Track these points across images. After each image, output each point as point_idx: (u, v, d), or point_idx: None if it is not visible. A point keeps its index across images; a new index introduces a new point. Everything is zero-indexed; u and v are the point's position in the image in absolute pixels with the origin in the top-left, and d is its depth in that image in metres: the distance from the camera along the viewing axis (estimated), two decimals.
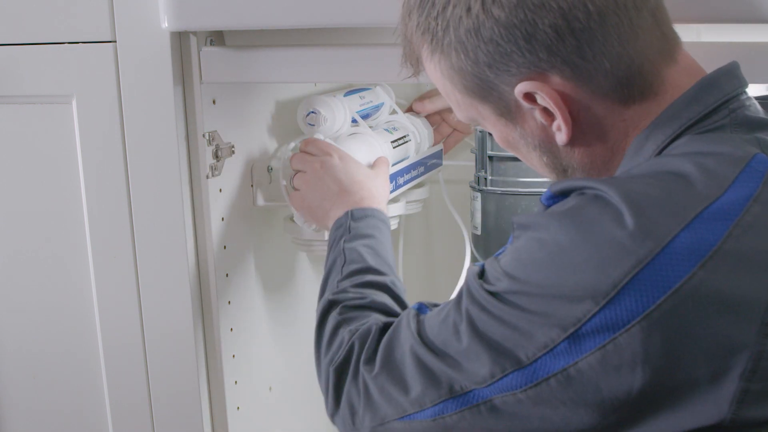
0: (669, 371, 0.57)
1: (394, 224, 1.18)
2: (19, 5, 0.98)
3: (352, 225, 0.94)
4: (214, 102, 1.02)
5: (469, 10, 0.65)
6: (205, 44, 0.98)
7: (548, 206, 0.66)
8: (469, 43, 0.66)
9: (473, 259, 1.21)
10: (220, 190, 1.04)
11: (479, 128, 1.15)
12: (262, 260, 1.16)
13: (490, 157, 1.12)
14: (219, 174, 1.03)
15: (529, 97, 0.67)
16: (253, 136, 1.12)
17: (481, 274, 0.67)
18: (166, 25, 0.93)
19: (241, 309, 1.11)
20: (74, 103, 1.00)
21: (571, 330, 0.59)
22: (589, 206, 0.61)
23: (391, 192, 1.13)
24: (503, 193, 1.11)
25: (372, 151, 1.11)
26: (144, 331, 1.05)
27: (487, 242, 1.15)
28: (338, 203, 0.98)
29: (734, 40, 0.81)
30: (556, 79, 0.65)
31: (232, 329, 1.08)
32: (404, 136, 1.20)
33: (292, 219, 1.11)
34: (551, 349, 0.60)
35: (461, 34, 0.66)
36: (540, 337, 0.60)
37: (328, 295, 0.86)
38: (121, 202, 1.01)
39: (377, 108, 1.23)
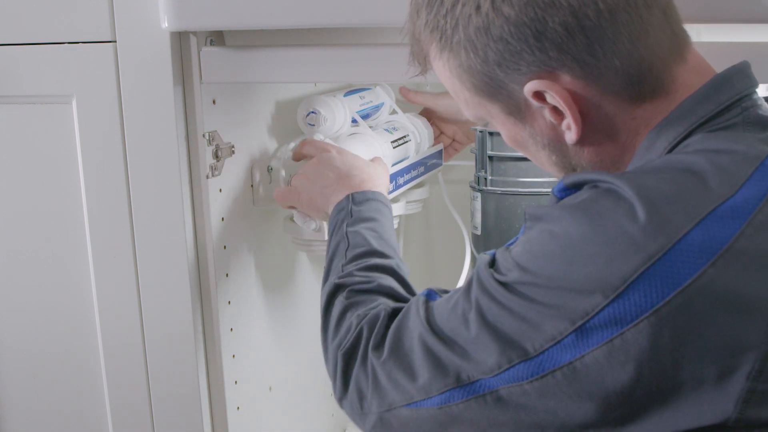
0: (675, 369, 0.57)
1: (394, 224, 1.18)
2: (19, 5, 0.98)
3: (354, 209, 0.94)
4: (214, 102, 1.02)
5: (478, 8, 0.65)
6: (205, 44, 0.98)
7: (560, 198, 0.67)
8: (478, 41, 0.66)
9: (473, 259, 1.21)
10: (220, 190, 1.04)
11: (479, 128, 1.15)
12: (262, 260, 1.16)
13: (490, 157, 1.12)
14: (219, 174, 1.03)
15: (539, 95, 0.66)
16: (253, 136, 1.12)
17: (492, 263, 0.67)
18: (166, 25, 0.93)
19: (241, 309, 1.11)
20: (74, 103, 1.00)
21: (579, 323, 0.59)
22: (601, 200, 0.61)
23: (391, 192, 1.13)
24: (503, 193, 1.11)
25: (372, 151, 1.11)
26: (144, 331, 1.05)
27: (487, 242, 1.15)
28: (338, 189, 0.98)
29: (734, 40, 0.81)
30: (566, 78, 0.65)
31: (232, 329, 1.08)
32: (404, 136, 1.20)
33: (292, 219, 1.11)
34: (558, 342, 0.60)
35: (470, 33, 0.66)
36: (548, 329, 0.60)
37: (333, 279, 0.86)
38: (121, 202, 1.01)
39: (377, 108, 1.23)
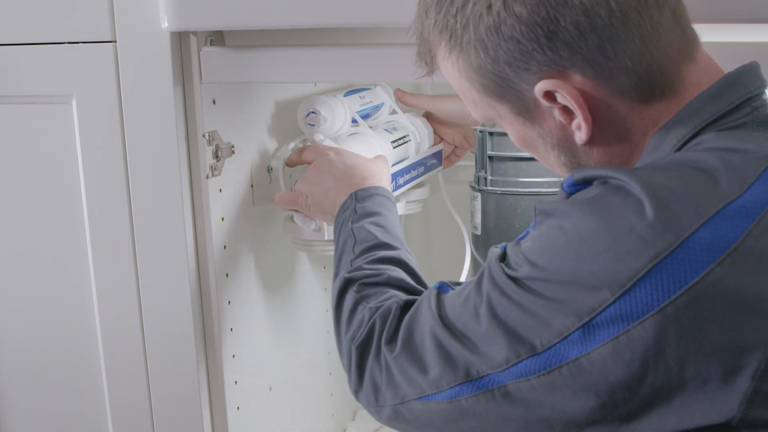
0: (680, 367, 0.57)
1: None
2: (19, 5, 0.98)
3: (358, 206, 0.95)
4: (214, 102, 1.02)
5: (489, 7, 0.65)
6: (205, 44, 0.98)
7: (570, 193, 0.67)
8: (489, 41, 0.66)
9: (473, 260, 1.21)
10: (220, 190, 1.04)
11: (479, 128, 1.14)
12: (262, 260, 1.16)
13: (490, 157, 1.12)
14: (219, 174, 1.03)
15: (549, 95, 0.66)
16: (253, 136, 1.12)
17: (503, 257, 0.67)
18: (166, 25, 0.93)
19: (241, 309, 1.11)
20: (74, 103, 1.00)
21: (587, 318, 0.59)
22: (611, 196, 0.61)
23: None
24: (503, 193, 1.11)
25: (372, 151, 1.11)
26: (144, 331, 1.05)
27: (487, 242, 1.15)
28: (342, 189, 0.99)
29: (735, 40, 0.81)
30: (576, 77, 0.65)
31: (232, 329, 1.08)
32: (404, 136, 1.20)
33: (292, 219, 1.11)
34: (566, 337, 0.60)
35: (481, 32, 0.66)
36: (555, 325, 0.61)
37: (343, 274, 0.86)
38: (121, 202, 1.01)
39: (377, 108, 1.23)
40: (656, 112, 0.67)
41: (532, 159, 1.07)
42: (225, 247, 1.06)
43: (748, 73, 0.67)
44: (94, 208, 1.03)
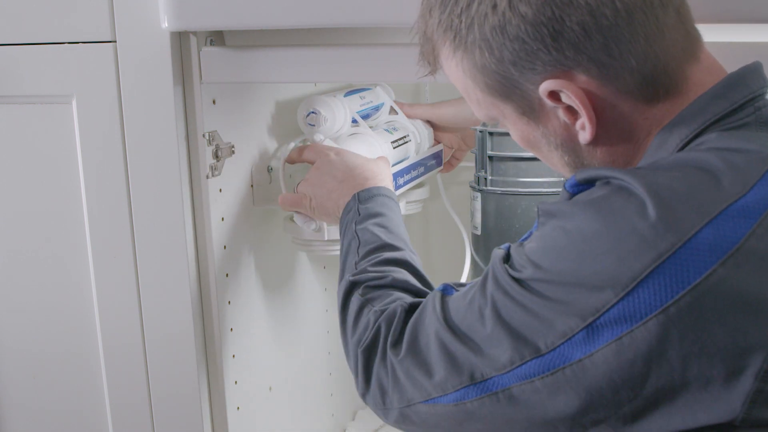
0: (683, 367, 0.57)
1: None
2: (19, 5, 0.98)
3: (361, 207, 0.95)
4: (214, 102, 1.02)
5: (495, 7, 0.65)
6: (205, 44, 0.98)
7: (573, 193, 0.67)
8: (494, 40, 0.66)
9: (473, 260, 1.21)
10: (220, 190, 1.04)
11: (479, 129, 1.15)
12: (262, 260, 1.16)
13: (490, 157, 1.12)
14: (219, 174, 1.03)
15: (554, 95, 0.66)
16: (253, 136, 1.12)
17: (507, 258, 0.67)
18: (166, 25, 0.93)
19: (241, 309, 1.11)
20: (74, 103, 1.00)
21: (590, 319, 0.59)
22: (614, 197, 0.62)
23: None
24: (503, 193, 1.11)
25: (372, 151, 1.11)
26: (144, 331, 1.05)
27: (487, 242, 1.15)
28: (344, 190, 0.99)
29: (738, 41, 0.81)
30: (581, 77, 0.65)
31: (232, 329, 1.08)
32: (404, 137, 1.20)
33: (292, 219, 1.11)
34: (570, 338, 0.60)
35: (486, 32, 0.66)
36: (559, 326, 0.61)
37: (348, 277, 0.87)
38: (121, 202, 1.01)
39: (377, 108, 1.23)
40: (660, 112, 0.67)
41: (532, 159, 1.08)
42: (225, 247, 1.06)
43: (751, 73, 0.67)
44: (94, 208, 1.03)
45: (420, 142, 1.22)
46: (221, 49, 0.99)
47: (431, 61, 0.74)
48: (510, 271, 0.65)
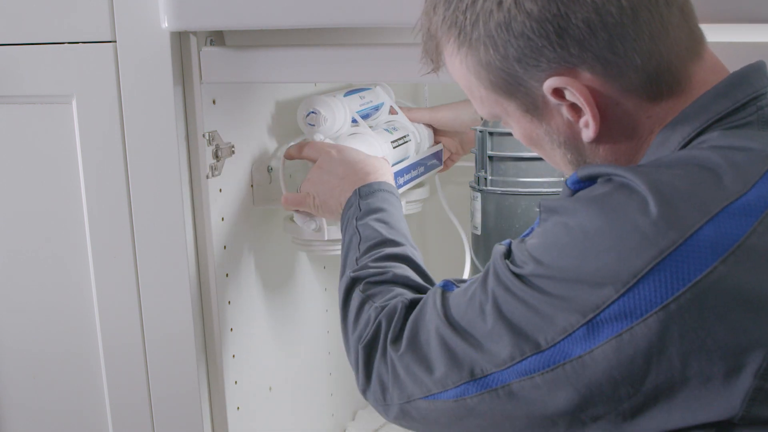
0: (683, 365, 0.58)
1: None
2: (19, 5, 0.98)
3: (362, 203, 0.95)
4: (214, 102, 1.02)
5: (500, 3, 0.65)
6: (205, 44, 0.98)
7: (574, 190, 0.67)
8: (499, 37, 0.66)
9: (472, 260, 1.21)
10: (220, 190, 1.04)
11: (479, 128, 1.14)
12: (262, 260, 1.16)
13: (490, 157, 1.12)
14: (219, 174, 1.03)
15: (558, 92, 0.66)
16: (253, 136, 1.12)
17: (508, 254, 0.67)
18: (166, 25, 0.93)
19: (241, 309, 1.11)
20: (74, 103, 1.00)
21: (590, 315, 0.59)
22: (615, 193, 0.62)
23: None
24: (503, 193, 1.11)
25: (372, 151, 1.11)
26: (144, 331, 1.05)
27: (487, 242, 1.15)
28: (345, 187, 0.99)
29: (740, 40, 0.81)
30: (586, 75, 0.65)
31: (232, 329, 1.08)
32: (404, 136, 1.20)
33: (292, 219, 1.11)
34: (570, 334, 0.61)
35: (491, 28, 0.66)
36: (560, 322, 0.61)
37: (349, 273, 0.87)
38: (121, 202, 1.01)
39: (377, 108, 1.23)
40: (663, 110, 0.67)
41: (532, 159, 1.08)
42: (225, 247, 1.06)
43: (754, 72, 0.67)
44: (94, 208, 1.03)
45: (420, 141, 1.22)
46: (221, 49, 0.99)
47: (434, 58, 0.74)
48: (511, 266, 0.65)
